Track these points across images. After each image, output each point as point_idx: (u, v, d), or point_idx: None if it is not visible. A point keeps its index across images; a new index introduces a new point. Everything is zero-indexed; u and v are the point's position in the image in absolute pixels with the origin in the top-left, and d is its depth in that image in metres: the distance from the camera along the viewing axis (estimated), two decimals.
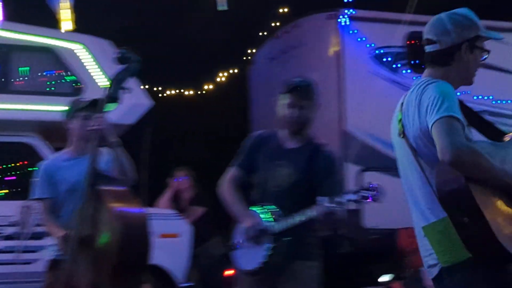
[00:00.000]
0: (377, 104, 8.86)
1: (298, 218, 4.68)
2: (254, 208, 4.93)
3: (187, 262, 8.44)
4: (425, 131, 3.16)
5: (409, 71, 9.87)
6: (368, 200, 4.56)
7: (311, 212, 4.65)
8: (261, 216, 4.87)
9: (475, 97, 9.86)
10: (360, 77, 9.51)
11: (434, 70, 3.36)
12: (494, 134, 3.47)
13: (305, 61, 10.17)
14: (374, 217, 9.17)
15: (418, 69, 9.82)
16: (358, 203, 4.70)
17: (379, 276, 9.59)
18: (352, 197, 4.59)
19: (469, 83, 3.42)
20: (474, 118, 3.47)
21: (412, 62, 9.97)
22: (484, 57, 3.42)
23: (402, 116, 3.34)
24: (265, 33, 12.09)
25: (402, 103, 3.38)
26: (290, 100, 4.95)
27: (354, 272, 9.28)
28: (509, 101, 10.26)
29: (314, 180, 4.84)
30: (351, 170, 9.04)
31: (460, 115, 3.10)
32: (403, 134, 3.31)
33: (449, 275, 3.19)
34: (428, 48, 3.39)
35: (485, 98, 10.04)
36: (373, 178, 9.17)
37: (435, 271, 3.23)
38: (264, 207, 4.87)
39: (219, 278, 9.00)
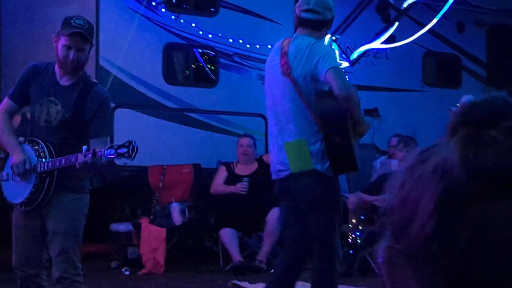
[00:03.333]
0: (131, 39, 8.77)
1: (62, 161, 4.77)
2: (24, 144, 5.01)
3: None
4: (313, 73, 4.40)
5: (164, 9, 9.78)
6: (126, 156, 4.72)
7: (74, 159, 4.71)
8: (30, 152, 4.93)
9: (229, 39, 10.20)
10: (116, 11, 9.34)
11: (312, 32, 4.62)
12: None
13: None
14: None
15: (173, 7, 9.99)
16: (117, 159, 4.81)
17: (130, 212, 9.68)
18: (111, 153, 4.66)
19: None
20: None
21: (171, 1, 9.94)
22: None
23: (289, 60, 4.51)
24: None
25: (284, 50, 4.60)
26: (69, 43, 4.91)
27: (105, 208, 9.25)
28: (258, 45, 10.38)
29: (84, 118, 4.91)
30: None
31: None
32: (288, 73, 4.49)
33: (296, 178, 4.49)
34: (311, 16, 4.62)
35: (239, 41, 10.23)
36: (125, 115, 9.17)
37: (283, 174, 4.57)
38: (34, 144, 4.93)
39: None
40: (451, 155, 0.81)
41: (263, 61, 10.34)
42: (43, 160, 4.88)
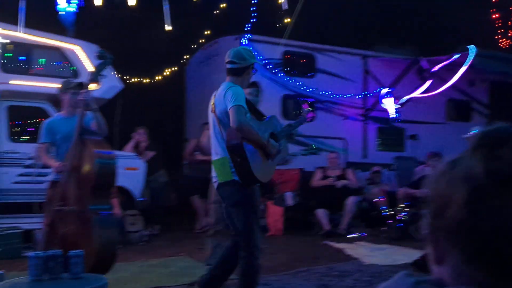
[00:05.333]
0: (263, 92, 9.11)
1: None
2: None
3: (142, 185, 8.45)
4: (226, 111, 3.75)
5: (282, 74, 9.92)
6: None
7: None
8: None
9: (323, 92, 10.26)
10: (254, 76, 9.68)
11: (234, 79, 3.91)
12: (260, 116, 4.07)
13: (221, 65, 10.03)
14: None
15: (289, 73, 10.01)
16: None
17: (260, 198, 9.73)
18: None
19: (245, 87, 3.99)
20: (254, 108, 4.06)
21: (286, 69, 9.99)
22: (254, 71, 4.05)
23: (215, 101, 3.93)
24: (196, 46, 12.14)
25: (214, 95, 3.99)
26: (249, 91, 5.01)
27: None
28: (340, 95, 10.46)
29: None
30: None
31: (244, 104, 3.69)
32: (213, 110, 3.94)
33: (222, 187, 3.89)
34: (231, 66, 3.94)
35: (329, 92, 10.36)
36: None
37: (216, 184, 3.94)
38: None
39: (162, 195, 8.99)
40: (475, 166, 0.77)
41: (343, 105, 10.65)
42: None
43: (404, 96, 10.57)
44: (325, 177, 9.09)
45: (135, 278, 5.44)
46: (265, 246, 7.29)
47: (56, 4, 8.27)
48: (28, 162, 7.51)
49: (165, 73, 12.90)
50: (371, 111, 10.78)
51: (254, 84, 5.18)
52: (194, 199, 9.14)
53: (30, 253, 2.95)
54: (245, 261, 3.73)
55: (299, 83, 10.10)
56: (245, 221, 3.75)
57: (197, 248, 7.20)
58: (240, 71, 3.88)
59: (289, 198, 9.14)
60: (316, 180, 9.13)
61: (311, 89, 10.16)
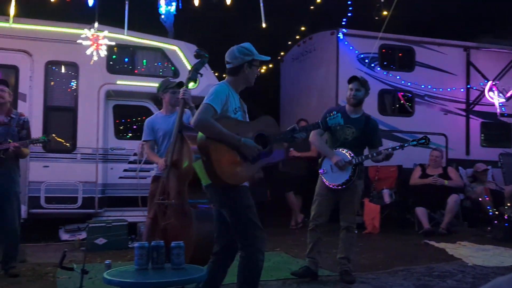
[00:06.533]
0: None
1: (363, 156, 5.01)
2: (337, 151, 5.09)
3: None
4: None
5: (379, 68, 9.78)
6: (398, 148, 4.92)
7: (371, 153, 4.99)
8: (344, 156, 5.02)
9: (422, 86, 10.03)
10: (349, 71, 9.53)
11: (231, 78, 3.66)
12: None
13: (316, 60, 10.16)
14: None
15: (386, 67, 9.87)
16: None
17: None
18: (397, 146, 4.95)
19: (251, 84, 3.72)
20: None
21: (383, 63, 9.84)
22: (258, 70, 3.72)
23: None
24: (291, 42, 12.17)
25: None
26: (351, 86, 5.24)
27: None
28: (441, 89, 10.19)
29: (368, 137, 5.10)
30: None
31: (216, 104, 3.41)
32: None
33: (207, 189, 3.62)
34: (227, 66, 3.67)
35: (428, 86, 10.09)
36: None
37: (203, 187, 3.67)
38: (344, 150, 5.05)
39: (258, 190, 8.91)
40: None
41: (444, 99, 10.28)
42: (354, 158, 4.97)
43: (510, 90, 10.12)
44: (424, 174, 8.78)
45: (231, 271, 5.53)
46: (360, 244, 7.25)
47: (159, 6, 8.62)
48: (132, 158, 7.87)
49: (260, 71, 13.06)
50: (474, 105, 10.34)
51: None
52: (289, 195, 9.18)
53: (136, 244, 3.11)
54: (245, 261, 3.53)
55: (397, 77, 9.92)
56: (238, 220, 3.52)
57: (293, 244, 7.26)
58: (234, 70, 3.65)
59: (387, 196, 8.98)
60: (416, 178, 8.86)
61: (409, 84, 9.97)
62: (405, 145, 4.96)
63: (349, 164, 5.00)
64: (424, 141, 4.92)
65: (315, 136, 5.26)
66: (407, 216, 9.19)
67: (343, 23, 11.27)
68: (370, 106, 9.59)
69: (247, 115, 3.74)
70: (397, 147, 4.93)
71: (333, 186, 5.09)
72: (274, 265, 5.87)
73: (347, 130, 5.13)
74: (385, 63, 9.93)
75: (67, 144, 7.81)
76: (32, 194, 7.47)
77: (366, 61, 9.60)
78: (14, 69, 7.64)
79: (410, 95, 10.07)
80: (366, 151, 5.21)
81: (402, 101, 10.11)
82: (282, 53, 12.07)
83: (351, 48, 9.67)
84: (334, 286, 4.94)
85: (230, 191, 3.50)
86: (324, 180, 5.15)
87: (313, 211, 5.28)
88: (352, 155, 5.02)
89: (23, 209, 6.74)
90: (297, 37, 11.87)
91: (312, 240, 5.20)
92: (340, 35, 9.60)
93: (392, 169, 9.26)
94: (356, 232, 5.28)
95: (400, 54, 10.16)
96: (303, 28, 12.21)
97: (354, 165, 5.01)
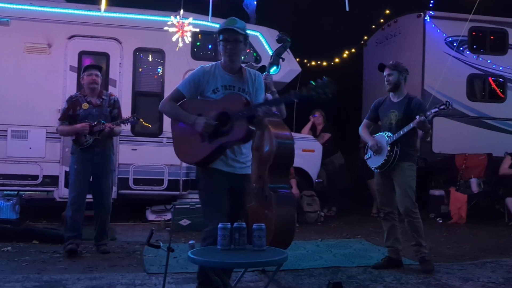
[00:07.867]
0: (446, 73, 8.71)
1: (403, 130, 4.90)
2: (378, 135, 5.14)
3: (318, 167, 8.59)
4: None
5: (468, 52, 9.45)
6: (443, 108, 4.76)
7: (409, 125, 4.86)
8: (382, 138, 5.05)
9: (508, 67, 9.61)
10: (436, 55, 9.32)
11: (221, 58, 3.61)
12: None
13: (401, 44, 9.98)
14: (440, 145, 9.19)
15: (475, 51, 9.53)
16: (438, 112, 4.85)
17: (442, 183, 9.45)
18: (434, 110, 4.80)
19: (231, 62, 3.57)
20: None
21: (473, 46, 9.49)
22: (222, 45, 3.54)
23: None
24: (374, 26, 11.94)
25: None
26: (384, 74, 5.15)
27: (426, 180, 9.28)
28: None
29: (413, 118, 4.88)
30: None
31: (183, 88, 3.55)
32: None
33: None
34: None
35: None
36: (441, 121, 9.13)
37: None
38: (384, 133, 5.08)
39: (339, 177, 9.12)
40: None
41: None
42: (391, 137, 4.92)
43: None
44: None
45: (312, 256, 5.61)
46: (446, 234, 7.04)
47: None
48: None
49: (343, 55, 12.88)
50: None
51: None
52: (370, 182, 9.07)
53: (219, 225, 3.18)
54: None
55: (488, 61, 9.56)
56: (201, 204, 3.67)
57: (374, 232, 7.21)
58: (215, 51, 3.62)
59: (475, 185, 8.75)
60: (505, 168, 8.59)
61: (501, 68, 9.60)
62: (433, 111, 4.79)
63: (383, 147, 5.00)
64: (443, 106, 4.76)
65: (363, 129, 5.28)
66: (496, 207, 8.93)
67: (431, 5, 10.89)
68: (459, 91, 9.31)
69: (245, 94, 3.59)
70: (429, 114, 4.80)
71: (376, 169, 5.12)
72: (355, 252, 5.88)
73: (392, 114, 5.11)
74: (475, 46, 9.63)
75: (154, 128, 8.08)
76: (121, 176, 7.84)
77: (455, 44, 9.33)
78: (105, 56, 8.01)
79: (501, 80, 9.61)
80: (420, 134, 5.08)
81: (493, 87, 9.67)
82: (365, 38, 11.85)
83: (438, 31, 9.41)
84: (416, 275, 4.85)
85: (199, 171, 3.64)
86: (369, 165, 5.21)
87: (378, 200, 5.32)
88: (390, 135, 5.00)
89: (113, 189, 7.06)
90: (381, 20, 11.60)
91: (386, 229, 5.17)
92: (427, 18, 9.39)
93: (481, 158, 9.02)
94: (419, 218, 5.01)
95: (491, 37, 9.77)
96: (387, 12, 11.90)
97: (390, 144, 4.95)
